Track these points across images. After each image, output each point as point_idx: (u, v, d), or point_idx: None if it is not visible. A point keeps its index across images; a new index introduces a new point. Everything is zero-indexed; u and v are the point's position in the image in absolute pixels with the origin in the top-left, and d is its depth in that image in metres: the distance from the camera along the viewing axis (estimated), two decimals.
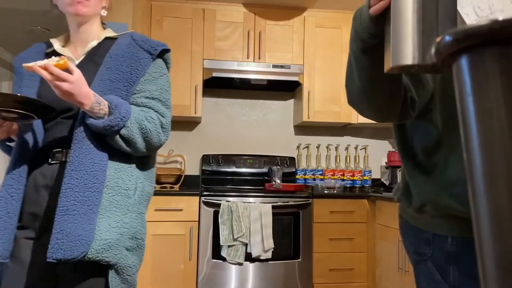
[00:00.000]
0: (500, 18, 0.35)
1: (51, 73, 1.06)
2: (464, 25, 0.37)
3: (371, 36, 0.88)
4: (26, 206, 1.22)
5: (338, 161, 3.50)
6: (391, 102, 0.98)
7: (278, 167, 3.24)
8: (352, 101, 1.03)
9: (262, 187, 3.24)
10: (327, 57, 3.29)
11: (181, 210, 2.77)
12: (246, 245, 2.70)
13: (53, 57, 1.11)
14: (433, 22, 0.71)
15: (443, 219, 1.03)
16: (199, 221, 2.77)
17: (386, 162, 3.41)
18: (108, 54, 1.27)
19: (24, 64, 1.09)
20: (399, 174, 2.89)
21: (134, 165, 1.26)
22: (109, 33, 1.35)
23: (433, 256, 1.03)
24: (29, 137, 1.24)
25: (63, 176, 1.15)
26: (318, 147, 3.52)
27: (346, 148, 3.61)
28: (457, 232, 1.00)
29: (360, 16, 0.91)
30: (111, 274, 1.16)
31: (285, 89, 3.48)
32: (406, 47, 0.72)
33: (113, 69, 1.24)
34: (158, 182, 3.13)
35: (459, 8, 0.69)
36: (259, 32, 3.21)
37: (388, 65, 0.75)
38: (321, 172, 3.41)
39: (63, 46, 1.35)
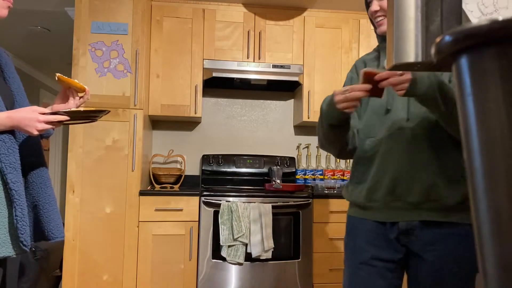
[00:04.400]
0: (500, 18, 0.34)
1: None
2: (467, 23, 0.37)
3: (336, 121, 1.25)
4: None
5: (338, 161, 3.50)
6: (345, 149, 1.44)
7: (278, 167, 3.24)
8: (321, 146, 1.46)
9: (262, 187, 3.24)
10: (327, 57, 3.28)
11: (181, 210, 2.77)
12: (246, 245, 2.70)
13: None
14: (437, 19, 0.69)
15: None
16: (199, 221, 2.77)
17: None
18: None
19: None
20: None
21: None
22: None
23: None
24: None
25: None
26: (318, 147, 3.52)
27: None
28: (351, 212, 1.54)
29: (330, 102, 1.22)
30: None
31: (285, 89, 3.48)
32: (409, 45, 0.70)
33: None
34: (158, 182, 3.13)
35: (463, 5, 0.68)
36: (259, 32, 3.21)
37: (390, 62, 0.73)
38: (321, 172, 3.41)
39: None
